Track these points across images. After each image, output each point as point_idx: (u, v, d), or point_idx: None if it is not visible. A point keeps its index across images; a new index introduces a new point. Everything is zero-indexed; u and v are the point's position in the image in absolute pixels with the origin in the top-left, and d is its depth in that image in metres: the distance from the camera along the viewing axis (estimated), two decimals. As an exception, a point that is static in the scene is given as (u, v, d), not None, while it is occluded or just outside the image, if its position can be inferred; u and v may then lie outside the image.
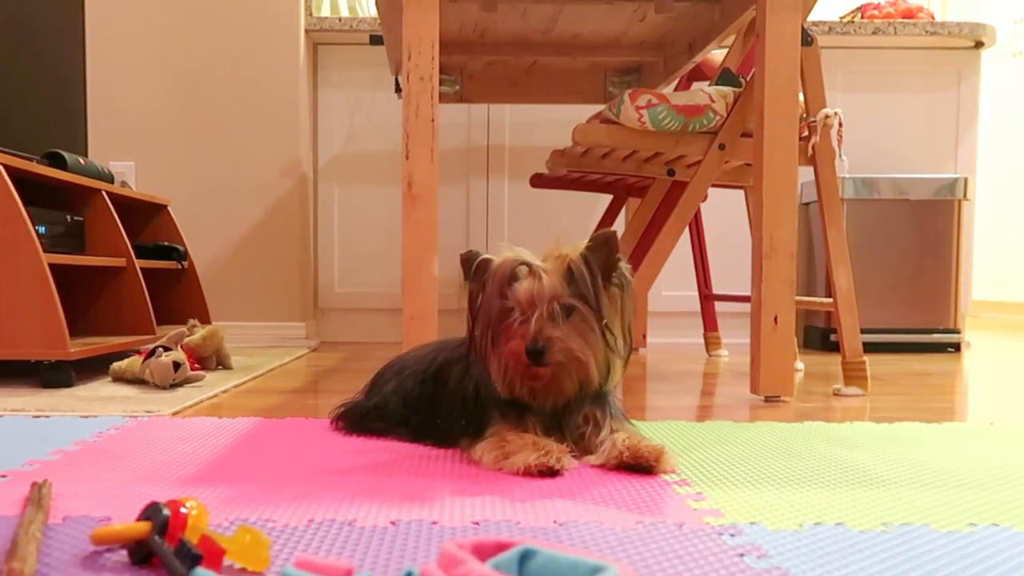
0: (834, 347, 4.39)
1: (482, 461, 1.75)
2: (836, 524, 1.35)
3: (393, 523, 1.33)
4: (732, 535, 1.28)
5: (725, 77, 3.44)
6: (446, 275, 3.86)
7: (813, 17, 5.24)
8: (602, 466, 1.74)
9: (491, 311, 1.74)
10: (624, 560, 1.16)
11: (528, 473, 1.66)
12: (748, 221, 3.88)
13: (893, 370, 3.62)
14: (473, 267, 1.78)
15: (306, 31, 4.64)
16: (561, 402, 1.79)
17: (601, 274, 1.74)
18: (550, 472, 1.66)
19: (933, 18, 5.07)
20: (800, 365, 3.60)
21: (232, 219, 4.58)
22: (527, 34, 3.60)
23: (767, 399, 2.68)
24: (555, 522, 1.35)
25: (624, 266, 1.80)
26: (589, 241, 1.77)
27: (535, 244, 1.80)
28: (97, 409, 2.40)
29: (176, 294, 4.05)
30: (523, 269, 1.73)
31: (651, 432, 2.09)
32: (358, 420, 2.09)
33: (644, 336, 4.40)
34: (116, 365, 2.97)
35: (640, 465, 1.70)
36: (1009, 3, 7.62)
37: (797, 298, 2.74)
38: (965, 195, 4.47)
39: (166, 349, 2.89)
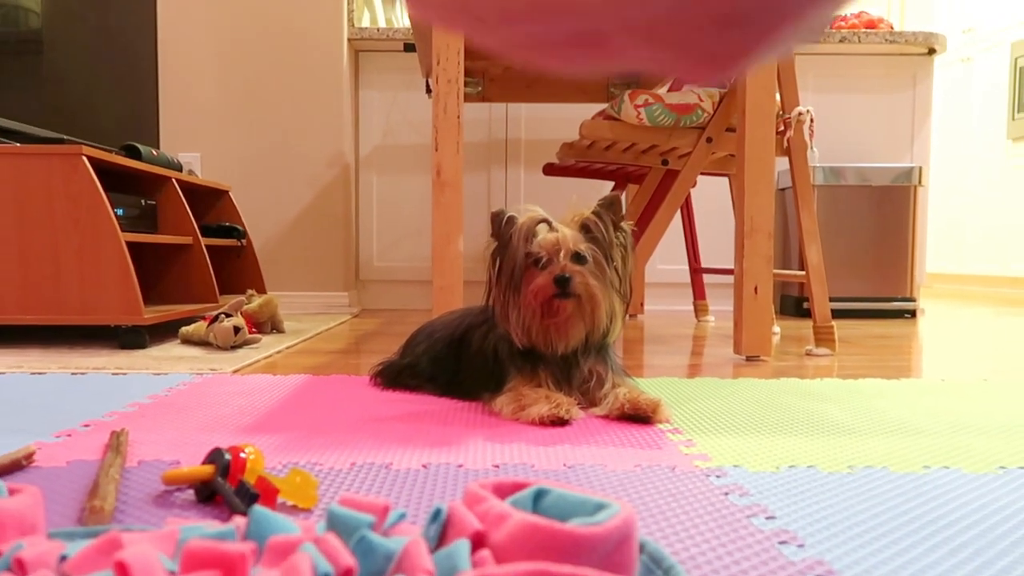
0: (806, 313, 4.37)
1: (501, 412, 1.75)
2: (808, 467, 1.34)
3: (424, 466, 1.33)
4: (718, 476, 1.27)
5: (712, 79, 3.42)
6: (470, 251, 3.83)
7: (788, 27, 5.16)
8: (605, 416, 1.74)
9: (515, 261, 1.75)
10: (624, 498, 1.16)
11: (542, 423, 1.65)
12: (732, 204, 3.87)
13: (857, 333, 3.60)
14: (502, 221, 1.79)
15: (348, 40, 4.62)
16: (571, 346, 1.78)
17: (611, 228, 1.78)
18: (560, 422, 1.66)
19: (892, 28, 5.04)
20: (777, 329, 3.59)
21: (285, 203, 4.59)
22: (540, 42, 3.57)
23: (748, 358, 2.67)
24: (565, 465, 1.34)
25: (626, 224, 1.83)
26: (599, 202, 1.80)
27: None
28: (168, 368, 2.41)
29: (236, 267, 4.06)
30: (543, 226, 1.75)
31: (648, 387, 2.09)
32: (394, 377, 2.09)
33: (641, 304, 4.39)
34: (184, 329, 2.98)
35: (639, 416, 1.70)
36: (958, 15, 7.59)
37: (774, 271, 2.73)
38: (920, 181, 4.45)
39: (228, 315, 2.89)
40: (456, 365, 1.98)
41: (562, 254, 1.72)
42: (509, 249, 1.76)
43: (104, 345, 2.86)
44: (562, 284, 1.69)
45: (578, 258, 1.73)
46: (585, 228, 1.77)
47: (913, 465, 1.35)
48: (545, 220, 1.76)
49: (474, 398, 1.90)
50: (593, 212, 1.79)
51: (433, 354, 2.04)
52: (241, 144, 4.56)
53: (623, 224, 1.82)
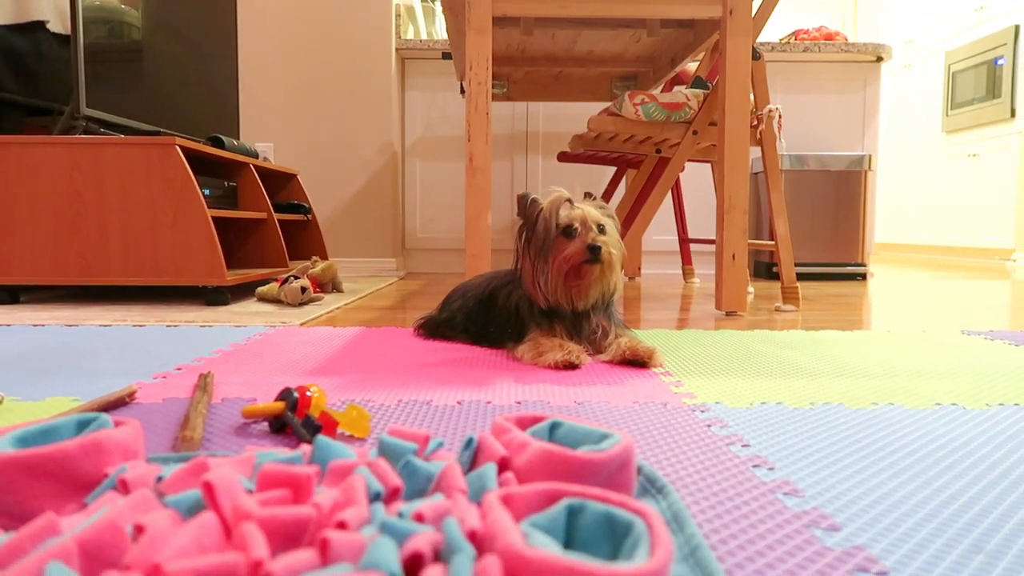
0: (775, 276, 4.38)
1: (523, 358, 1.75)
2: (777, 403, 1.33)
3: (459, 403, 1.32)
4: (702, 411, 1.27)
5: (698, 82, 3.39)
6: (496, 224, 3.82)
7: (761, 39, 5.12)
8: (609, 362, 1.74)
9: (547, 231, 1.75)
10: (625, 429, 1.15)
11: (556, 367, 1.66)
12: (713, 186, 3.85)
13: (818, 293, 3.58)
14: (527, 202, 1.79)
15: (396, 49, 4.61)
16: (590, 303, 1.79)
17: None
18: (571, 366, 1.66)
19: (846, 40, 4.99)
20: (751, 289, 3.57)
21: (343, 184, 4.58)
22: (555, 52, 3.56)
23: (727, 313, 2.66)
24: (575, 402, 1.34)
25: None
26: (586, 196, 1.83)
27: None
28: (246, 321, 2.41)
29: (303, 238, 4.06)
30: (567, 204, 1.76)
31: (644, 337, 2.08)
32: (433, 329, 2.09)
33: (639, 268, 4.38)
34: (259, 289, 2.98)
35: (637, 361, 1.70)
36: (901, 28, 7.53)
37: (748, 241, 2.71)
38: (870, 167, 4.42)
39: (296, 278, 2.89)
40: (485, 319, 1.98)
41: (590, 227, 1.73)
42: (538, 223, 1.76)
43: (193, 302, 2.87)
44: (594, 251, 1.70)
45: (601, 229, 1.74)
46: (601, 207, 1.80)
47: (864, 402, 1.35)
48: (569, 199, 1.77)
49: (499, 347, 1.90)
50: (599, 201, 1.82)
51: (466, 310, 2.04)
52: (307, 136, 4.55)
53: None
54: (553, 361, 1.67)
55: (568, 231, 1.73)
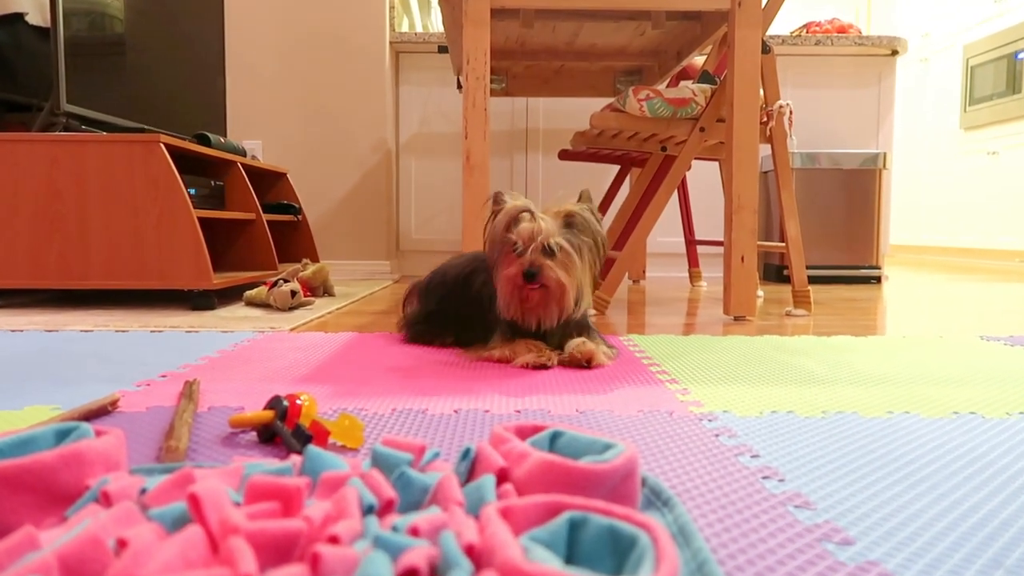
0: (786, 279, 4.37)
1: (494, 357, 1.82)
2: (787, 412, 1.33)
3: (455, 411, 1.32)
4: (710, 421, 1.27)
5: (704, 77, 3.40)
6: (494, 226, 3.76)
7: (771, 32, 5.13)
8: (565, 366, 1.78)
9: (496, 243, 1.76)
10: (629, 439, 1.15)
11: (526, 367, 1.73)
12: (721, 185, 3.85)
13: (830, 296, 3.58)
14: (494, 202, 1.80)
15: (390, 43, 4.61)
16: (546, 324, 1.78)
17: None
18: (543, 367, 1.74)
19: (860, 33, 5.01)
20: (760, 293, 3.57)
21: (335, 183, 4.59)
22: (555, 45, 3.56)
23: (736, 318, 2.66)
24: (577, 411, 1.34)
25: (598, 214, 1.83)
26: (580, 195, 1.82)
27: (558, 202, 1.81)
28: (233, 326, 2.41)
29: (293, 239, 4.06)
30: (526, 215, 1.74)
31: (648, 343, 2.09)
32: (420, 330, 2.11)
33: (643, 271, 4.39)
34: (248, 293, 2.98)
35: (579, 364, 1.74)
36: (917, 21, 7.55)
37: (758, 243, 2.72)
38: (884, 165, 4.43)
39: (285, 281, 2.89)
40: (464, 309, 2.01)
41: (531, 248, 1.70)
42: (494, 230, 1.77)
43: (178, 307, 2.87)
44: (528, 277, 1.69)
45: (548, 250, 1.71)
46: (568, 220, 1.76)
47: (878, 411, 1.34)
48: (527, 210, 1.74)
49: (483, 342, 1.92)
50: (584, 206, 1.79)
51: (445, 296, 2.10)
52: (297, 132, 4.56)
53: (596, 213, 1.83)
54: (524, 363, 1.73)
55: (514, 248, 1.73)
